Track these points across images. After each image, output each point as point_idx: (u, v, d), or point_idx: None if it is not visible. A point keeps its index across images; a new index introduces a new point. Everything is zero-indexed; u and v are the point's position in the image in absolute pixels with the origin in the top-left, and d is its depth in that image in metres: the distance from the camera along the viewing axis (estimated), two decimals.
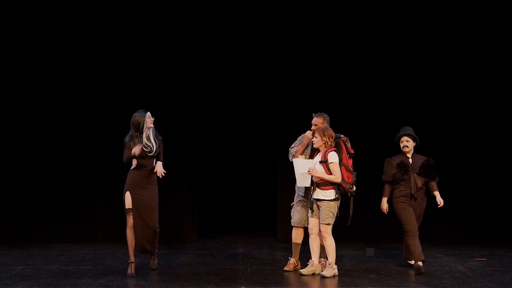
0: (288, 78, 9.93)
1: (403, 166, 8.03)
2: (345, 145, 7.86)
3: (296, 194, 8.19)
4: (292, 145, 8.18)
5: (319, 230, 7.82)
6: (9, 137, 9.78)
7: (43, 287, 7.25)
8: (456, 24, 9.86)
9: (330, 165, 7.71)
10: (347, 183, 7.76)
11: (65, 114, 9.79)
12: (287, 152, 8.19)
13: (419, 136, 8.18)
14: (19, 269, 8.06)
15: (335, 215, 7.78)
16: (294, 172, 7.91)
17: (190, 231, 9.99)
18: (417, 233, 7.99)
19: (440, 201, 8.15)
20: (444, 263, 8.65)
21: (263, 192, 11.39)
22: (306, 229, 8.07)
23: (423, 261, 7.97)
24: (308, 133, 7.99)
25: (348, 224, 7.82)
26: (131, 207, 7.74)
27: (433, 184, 8.14)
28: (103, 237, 9.75)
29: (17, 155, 9.79)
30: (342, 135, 7.90)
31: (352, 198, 7.86)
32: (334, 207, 7.76)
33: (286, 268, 8.14)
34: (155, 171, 7.81)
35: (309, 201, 7.92)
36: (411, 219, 7.99)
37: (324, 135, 7.76)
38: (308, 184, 7.84)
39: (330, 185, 7.73)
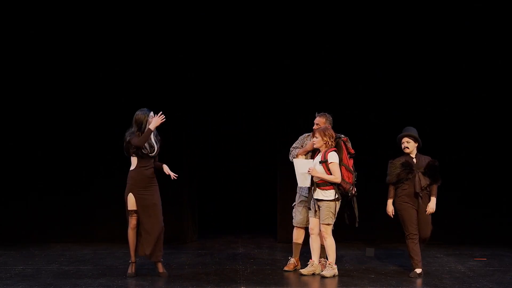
0: (288, 78, 9.93)
1: (408, 166, 7.83)
2: (346, 145, 7.85)
3: (297, 195, 8.18)
4: (294, 145, 8.18)
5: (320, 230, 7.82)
6: (9, 137, 9.78)
7: (43, 287, 7.24)
8: (456, 24, 9.86)
9: (330, 165, 7.71)
10: (347, 183, 7.75)
11: (65, 114, 9.79)
12: (287, 152, 8.19)
13: (419, 136, 8.14)
14: (19, 269, 8.06)
15: (335, 215, 7.79)
16: (294, 172, 7.92)
17: (190, 231, 9.99)
18: (417, 237, 7.84)
19: (430, 208, 7.82)
20: (444, 263, 8.65)
21: (263, 192, 11.39)
22: (307, 229, 8.07)
23: (420, 273, 7.83)
24: (310, 145, 7.98)
25: (357, 226, 7.81)
26: (134, 208, 7.65)
27: (434, 188, 7.88)
28: (103, 237, 9.75)
29: (17, 155, 9.78)
30: (342, 135, 7.90)
31: (355, 199, 7.84)
32: (334, 207, 7.76)
33: (286, 268, 8.14)
34: (168, 173, 7.76)
35: (309, 201, 7.92)
36: (411, 222, 7.84)
37: (325, 135, 7.76)
38: (308, 184, 7.84)
39: (330, 185, 7.72)
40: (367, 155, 9.04)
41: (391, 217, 7.99)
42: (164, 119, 7.59)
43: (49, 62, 9.76)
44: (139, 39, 9.75)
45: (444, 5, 9.82)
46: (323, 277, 7.75)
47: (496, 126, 9.96)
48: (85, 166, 9.79)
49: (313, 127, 8.00)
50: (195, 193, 10.13)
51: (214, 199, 11.49)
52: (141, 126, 7.59)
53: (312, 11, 9.83)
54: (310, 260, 7.96)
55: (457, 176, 9.70)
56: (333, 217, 7.77)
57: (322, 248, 7.94)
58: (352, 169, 7.83)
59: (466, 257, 9.02)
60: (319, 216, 7.79)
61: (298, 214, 8.13)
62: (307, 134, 8.18)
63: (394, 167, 7.92)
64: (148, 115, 7.60)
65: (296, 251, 8.19)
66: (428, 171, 7.86)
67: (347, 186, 7.75)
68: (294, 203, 8.22)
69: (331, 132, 7.79)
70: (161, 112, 7.58)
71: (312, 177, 7.77)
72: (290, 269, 8.12)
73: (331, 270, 7.78)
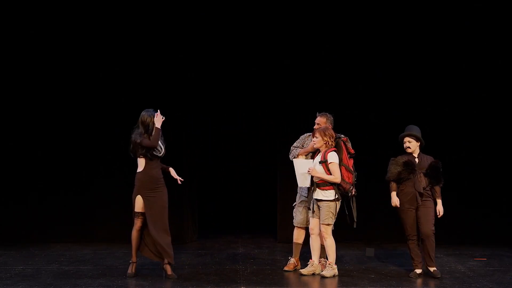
0: (288, 78, 9.93)
1: (410, 165, 7.78)
2: (346, 145, 7.85)
3: (298, 195, 8.18)
4: (294, 144, 8.18)
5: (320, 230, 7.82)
6: (9, 137, 9.78)
7: (43, 287, 7.25)
8: (456, 24, 9.86)
9: (329, 165, 7.71)
10: (347, 183, 7.75)
11: (65, 114, 9.79)
12: (287, 152, 8.19)
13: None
14: (19, 269, 8.06)
15: (336, 215, 7.79)
16: (294, 172, 7.92)
17: (190, 231, 9.99)
18: (417, 238, 7.82)
19: (440, 210, 7.87)
20: (444, 263, 8.65)
21: (263, 192, 11.39)
22: (307, 229, 8.07)
23: (420, 274, 7.85)
24: (311, 146, 7.98)
25: (355, 227, 7.81)
26: (141, 211, 7.59)
27: (437, 190, 7.86)
28: (103, 237, 9.75)
29: (17, 155, 9.79)
30: (342, 135, 7.90)
31: (354, 199, 7.84)
32: (334, 207, 7.76)
33: (286, 268, 8.14)
34: (175, 177, 7.76)
35: (309, 201, 7.92)
36: (410, 224, 7.81)
37: (325, 134, 7.76)
38: (308, 184, 7.84)
39: (330, 186, 7.72)
40: (367, 155, 9.03)
41: (397, 206, 7.84)
42: (164, 118, 7.59)
43: (49, 62, 9.76)
44: (139, 39, 9.75)
45: (444, 5, 9.82)
46: (323, 277, 7.75)
47: (496, 126, 9.96)
48: (85, 166, 9.79)
49: (314, 127, 8.00)
50: (195, 193, 10.12)
51: (214, 199, 11.49)
52: (148, 127, 7.54)
53: (312, 11, 9.83)
54: (310, 260, 7.96)
55: (457, 176, 9.69)
56: (333, 217, 7.77)
57: (322, 248, 7.94)
58: (352, 169, 7.82)
59: (466, 257, 9.02)
60: (319, 216, 7.80)
61: (298, 214, 8.13)
62: (308, 134, 8.17)
63: (396, 165, 7.86)
64: (154, 117, 7.57)
65: (296, 251, 8.19)
66: (430, 172, 7.82)
67: (347, 186, 7.75)
68: (295, 203, 8.22)
69: (331, 132, 7.79)
70: (158, 110, 7.59)
71: (312, 177, 7.77)
72: (290, 269, 8.13)
73: (331, 270, 7.78)
